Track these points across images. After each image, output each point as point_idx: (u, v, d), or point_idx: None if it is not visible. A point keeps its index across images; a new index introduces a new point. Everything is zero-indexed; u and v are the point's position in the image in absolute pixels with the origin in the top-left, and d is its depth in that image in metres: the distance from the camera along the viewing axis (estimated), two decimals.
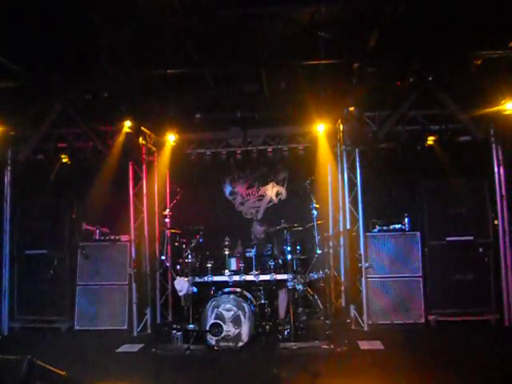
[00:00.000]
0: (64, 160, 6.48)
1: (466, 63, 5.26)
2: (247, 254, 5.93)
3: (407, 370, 4.39)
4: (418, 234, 6.41)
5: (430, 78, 5.63)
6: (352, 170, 6.49)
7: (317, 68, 5.32)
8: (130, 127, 6.11)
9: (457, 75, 5.58)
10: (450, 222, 6.28)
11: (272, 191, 7.84)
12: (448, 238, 6.27)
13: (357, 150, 6.34)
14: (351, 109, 5.92)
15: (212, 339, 5.26)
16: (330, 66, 5.27)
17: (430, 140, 6.27)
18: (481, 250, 6.16)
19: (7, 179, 6.75)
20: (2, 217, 6.70)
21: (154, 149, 7.13)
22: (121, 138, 6.17)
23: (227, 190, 7.97)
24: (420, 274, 6.31)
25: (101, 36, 4.58)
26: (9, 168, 6.75)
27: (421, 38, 4.74)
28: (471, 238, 6.21)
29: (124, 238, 6.83)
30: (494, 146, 6.29)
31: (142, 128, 6.56)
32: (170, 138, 6.96)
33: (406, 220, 6.46)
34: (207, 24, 4.54)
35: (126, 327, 6.53)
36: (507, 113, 5.75)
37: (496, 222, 6.20)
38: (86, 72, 5.35)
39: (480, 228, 6.23)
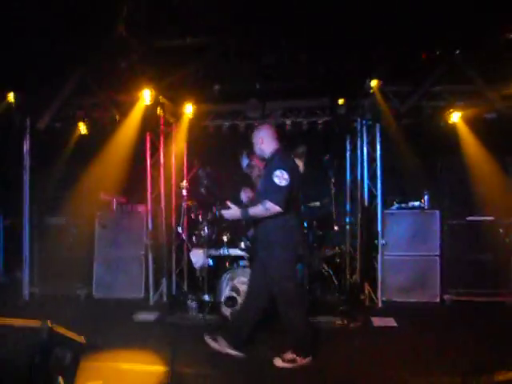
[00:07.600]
0: (82, 129, 6.53)
1: (495, 37, 5.08)
2: None
3: (421, 349, 4.38)
4: (437, 212, 6.30)
5: (458, 52, 5.45)
6: (372, 145, 6.37)
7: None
8: (149, 97, 6.05)
9: (485, 50, 5.37)
10: (471, 200, 6.12)
11: None
12: (468, 218, 6.17)
13: (378, 126, 6.19)
14: (374, 83, 5.79)
15: (226, 310, 5.31)
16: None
17: (454, 116, 6.12)
18: (501, 230, 6.04)
19: (26, 148, 6.77)
20: (21, 186, 6.77)
21: (171, 120, 7.03)
22: (139, 108, 6.15)
23: (244, 162, 7.87)
24: (437, 253, 6.24)
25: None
26: (28, 136, 6.76)
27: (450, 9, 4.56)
28: (492, 218, 6.09)
29: (141, 208, 6.88)
30: None
31: (160, 98, 6.48)
32: (188, 109, 6.85)
33: (426, 197, 6.35)
34: None
35: (142, 296, 6.65)
36: None
37: None
38: (105, 41, 5.30)
39: (501, 208, 6.09)
